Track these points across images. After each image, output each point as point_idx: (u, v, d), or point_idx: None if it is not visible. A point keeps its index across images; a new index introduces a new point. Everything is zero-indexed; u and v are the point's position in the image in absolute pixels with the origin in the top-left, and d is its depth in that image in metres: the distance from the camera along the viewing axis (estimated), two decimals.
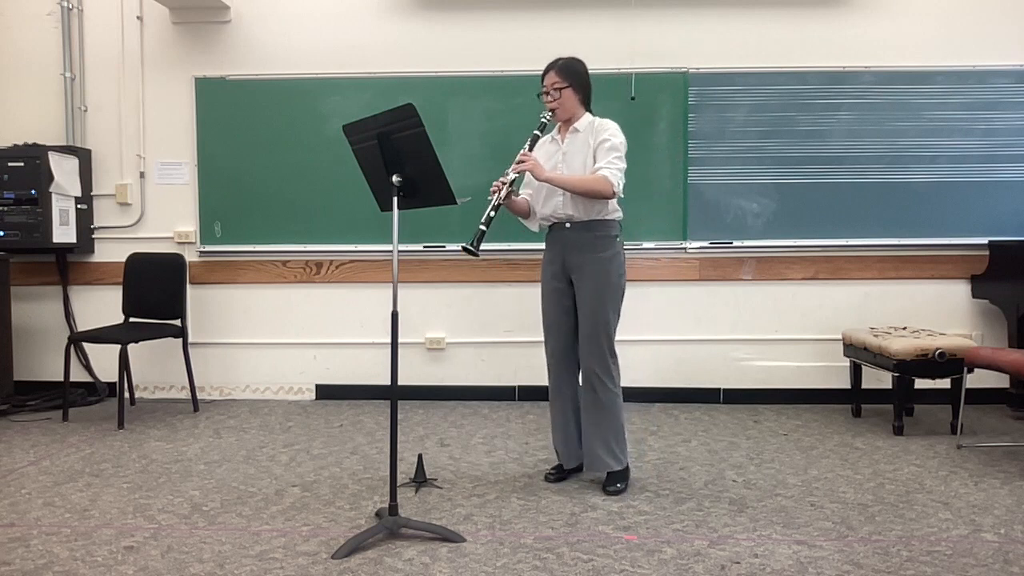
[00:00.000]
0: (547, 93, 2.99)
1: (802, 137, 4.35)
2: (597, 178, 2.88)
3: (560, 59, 3.02)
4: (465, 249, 2.81)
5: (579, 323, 3.01)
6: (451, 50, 4.43)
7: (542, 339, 3.13)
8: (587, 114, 3.05)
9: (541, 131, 2.97)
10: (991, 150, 4.31)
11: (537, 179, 2.92)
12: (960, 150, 4.32)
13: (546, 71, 3.01)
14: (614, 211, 3.01)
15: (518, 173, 2.92)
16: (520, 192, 3.13)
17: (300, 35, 4.49)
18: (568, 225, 2.99)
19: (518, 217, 3.15)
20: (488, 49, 4.41)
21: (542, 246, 3.14)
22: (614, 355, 3.00)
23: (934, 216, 4.34)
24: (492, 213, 2.84)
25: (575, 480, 3.10)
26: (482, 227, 2.82)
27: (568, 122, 3.04)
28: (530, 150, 2.94)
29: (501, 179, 2.91)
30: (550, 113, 2.98)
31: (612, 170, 2.89)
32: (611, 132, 2.96)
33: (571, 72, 2.99)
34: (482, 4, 4.44)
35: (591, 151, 2.96)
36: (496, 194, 2.88)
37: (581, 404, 3.06)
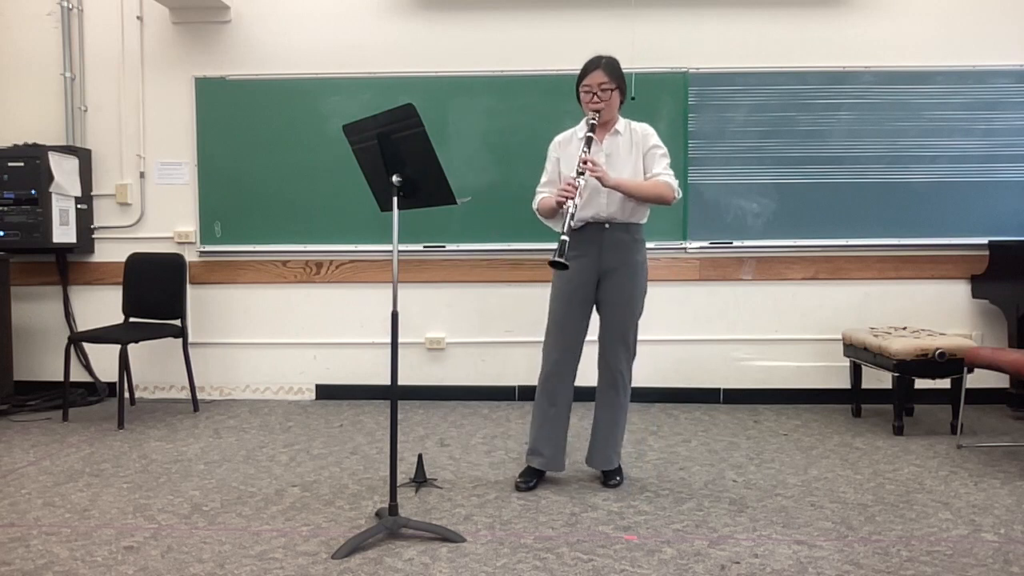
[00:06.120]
0: (593, 93, 2.86)
1: (802, 137, 4.35)
2: (660, 184, 2.90)
3: (603, 57, 2.91)
4: (554, 264, 2.67)
5: (605, 324, 3.01)
6: (451, 50, 4.43)
7: (541, 339, 3.07)
8: (618, 115, 3.00)
9: (593, 132, 2.86)
10: (991, 150, 4.31)
11: (604, 185, 2.82)
12: (960, 150, 4.32)
13: (590, 70, 2.89)
14: (647, 215, 3.03)
15: (584, 180, 2.78)
16: (540, 191, 3.08)
17: (300, 35, 4.49)
18: (607, 225, 2.94)
19: (542, 218, 3.08)
20: (488, 49, 4.40)
21: (544, 245, 3.11)
22: (633, 358, 3.06)
23: (934, 216, 4.34)
24: (572, 222, 2.72)
25: (575, 480, 3.10)
26: (564, 237, 2.68)
27: (606, 123, 2.96)
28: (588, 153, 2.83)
29: (569, 183, 2.76)
30: (596, 114, 2.87)
31: (672, 178, 2.92)
32: (657, 138, 2.97)
33: (617, 73, 2.91)
34: (482, 4, 4.43)
35: (640, 155, 2.94)
36: (572, 200, 2.72)
37: (600, 403, 3.06)
